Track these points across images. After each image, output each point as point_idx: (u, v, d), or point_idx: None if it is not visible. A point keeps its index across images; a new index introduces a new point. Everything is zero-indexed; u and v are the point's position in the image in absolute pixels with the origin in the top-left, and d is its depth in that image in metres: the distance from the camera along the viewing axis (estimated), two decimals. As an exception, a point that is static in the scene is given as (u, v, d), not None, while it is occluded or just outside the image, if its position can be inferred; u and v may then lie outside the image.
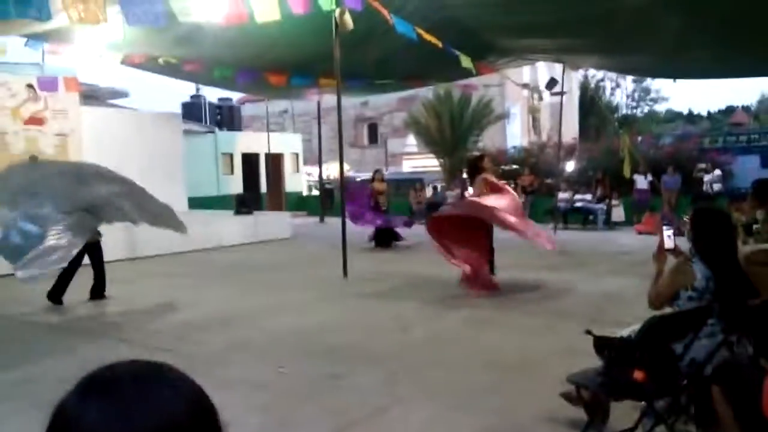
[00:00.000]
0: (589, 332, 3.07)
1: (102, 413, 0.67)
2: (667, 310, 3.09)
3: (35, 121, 12.20)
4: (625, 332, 3.23)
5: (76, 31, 9.36)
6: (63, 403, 0.69)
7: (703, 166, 14.84)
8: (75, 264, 6.89)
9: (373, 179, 12.13)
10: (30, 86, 12.00)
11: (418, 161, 26.34)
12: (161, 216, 7.20)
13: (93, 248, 7.08)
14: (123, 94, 19.23)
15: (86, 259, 7.10)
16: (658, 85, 42.08)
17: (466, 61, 10.21)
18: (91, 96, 16.04)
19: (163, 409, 0.68)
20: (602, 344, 3.05)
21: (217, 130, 20.56)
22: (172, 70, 11.78)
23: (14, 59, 14.58)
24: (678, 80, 14.50)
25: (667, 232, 3.24)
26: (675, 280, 3.04)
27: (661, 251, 3.22)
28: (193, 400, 0.72)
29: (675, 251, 3.24)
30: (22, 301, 7.23)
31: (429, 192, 19.21)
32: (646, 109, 43.93)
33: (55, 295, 6.95)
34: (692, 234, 3.11)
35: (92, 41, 10.05)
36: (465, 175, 7.73)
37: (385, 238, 11.51)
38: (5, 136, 11.75)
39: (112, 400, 0.68)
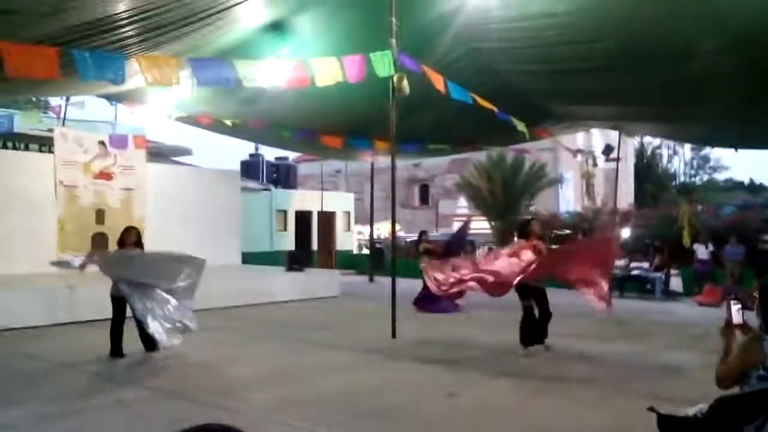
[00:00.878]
0: (652, 409, 2.93)
1: None
2: (736, 389, 2.92)
3: (104, 175, 12.84)
4: (691, 411, 3.06)
5: (148, 93, 9.97)
6: None
7: (768, 237, 14.27)
8: (119, 316, 7.11)
9: (419, 241, 12.02)
10: (102, 143, 12.71)
11: (469, 223, 26.24)
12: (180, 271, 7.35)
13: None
14: (186, 152, 20.10)
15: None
16: (718, 153, 41.21)
17: (520, 125, 10.29)
18: (157, 153, 16.83)
19: None
20: (667, 423, 2.90)
21: (272, 187, 21.12)
22: (234, 129, 12.30)
23: (90, 117, 15.59)
24: (739, 150, 14.18)
25: (735, 307, 3.10)
26: (745, 358, 2.89)
27: (729, 326, 3.07)
28: None
29: (743, 327, 3.09)
30: (72, 351, 7.42)
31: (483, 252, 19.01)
32: (705, 178, 42.88)
33: (115, 349, 7.10)
34: (762, 309, 2.97)
35: (161, 102, 10.66)
36: (516, 239, 7.65)
37: (427, 304, 11.29)
38: (76, 190, 12.39)
39: None
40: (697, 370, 6.14)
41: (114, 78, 6.75)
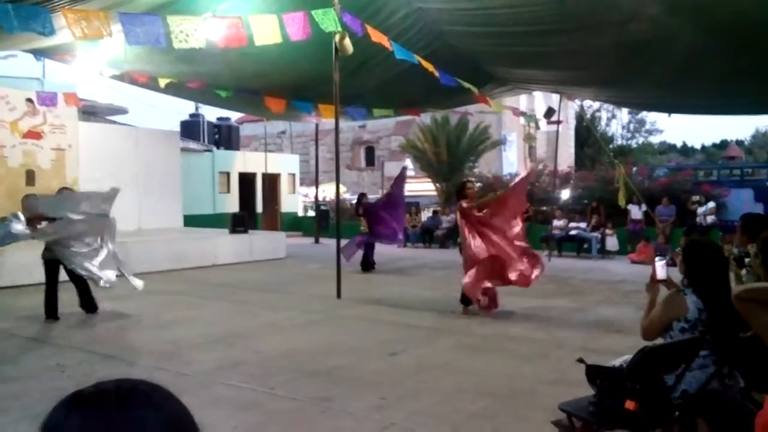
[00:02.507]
0: (581, 361, 3.07)
1: (83, 427, 0.70)
2: (659, 340, 3.09)
3: (33, 135, 12.22)
4: (617, 362, 3.23)
5: (79, 47, 9.45)
6: (50, 415, 0.72)
7: (697, 198, 14.92)
8: (52, 278, 6.93)
9: (359, 203, 12.06)
10: (29, 100, 12.04)
11: (415, 185, 26.43)
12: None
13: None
14: (122, 111, 19.29)
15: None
16: (653, 117, 42.56)
17: (467, 84, 10.31)
18: (90, 112, 16.10)
19: (142, 427, 0.71)
20: (594, 373, 3.05)
21: (214, 148, 20.60)
22: (172, 88, 11.85)
23: (15, 73, 14.70)
24: (673, 114, 14.68)
25: (660, 263, 3.26)
26: (667, 311, 3.05)
27: (653, 282, 3.24)
28: (175, 419, 0.75)
29: (668, 282, 3.26)
30: (5, 315, 7.18)
31: (425, 215, 19.23)
32: (641, 141, 44.34)
33: (50, 312, 6.92)
34: (685, 265, 3.13)
35: (94, 58, 10.13)
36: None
37: (366, 264, 11.48)
38: (3, 150, 11.76)
39: (94, 415, 0.71)
40: (627, 324, 6.46)
41: (42, 29, 6.36)
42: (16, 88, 12.44)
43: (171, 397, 0.77)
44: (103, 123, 16.51)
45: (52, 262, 6.99)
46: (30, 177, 12.04)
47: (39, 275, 7.22)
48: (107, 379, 0.77)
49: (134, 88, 12.27)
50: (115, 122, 18.08)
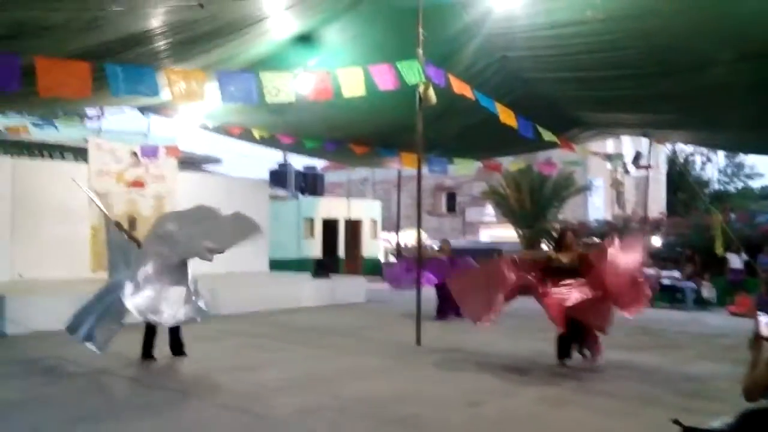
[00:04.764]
0: (676, 422, 2.91)
1: None
2: (764, 402, 2.88)
3: (136, 184, 13.16)
4: (716, 424, 3.03)
5: (180, 103, 10.18)
6: None
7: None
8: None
9: (440, 249, 12.01)
10: (134, 153, 13.02)
11: (497, 231, 26.12)
12: (235, 231, 7.30)
13: None
14: (216, 161, 20.43)
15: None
16: (753, 160, 40.31)
17: (546, 134, 10.24)
18: (188, 162, 17.15)
19: None
20: (690, 435, 2.87)
21: (300, 195, 21.33)
22: (263, 140, 12.48)
23: (122, 128, 15.99)
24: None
25: (764, 319, 3.07)
26: (772, 370, 2.85)
27: (757, 339, 3.03)
28: None
29: (771, 339, 3.05)
30: (110, 355, 7.60)
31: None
32: (739, 185, 41.94)
33: (146, 353, 7.27)
34: (790, 321, 2.93)
35: (192, 111, 10.88)
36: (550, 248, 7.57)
37: (444, 311, 11.26)
38: (108, 197, 12.71)
39: None
40: (725, 383, 6.03)
41: (147, 92, 6.91)
42: (123, 142, 13.52)
43: None
44: (199, 173, 17.51)
45: None
46: (132, 223, 12.90)
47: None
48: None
49: (228, 139, 13.02)
50: (210, 171, 19.14)
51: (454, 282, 7.83)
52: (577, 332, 7.05)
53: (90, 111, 14.83)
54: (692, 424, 3.00)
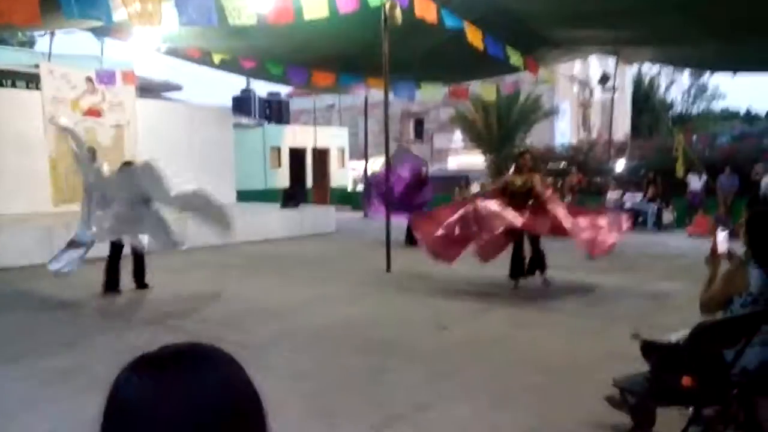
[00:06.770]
0: (636, 336, 3.02)
1: (141, 387, 0.73)
2: (719, 315, 3.00)
3: (93, 112, 12.64)
4: (674, 337, 3.16)
5: (135, 25, 9.67)
6: (117, 377, 0.76)
7: (761, 167, 14.25)
8: (115, 252, 7.20)
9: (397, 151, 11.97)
10: (89, 79, 12.43)
11: (465, 158, 26.18)
12: (209, 211, 7.35)
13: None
14: (176, 88, 19.73)
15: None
16: (716, 81, 40.64)
17: (514, 57, 10.08)
18: (146, 89, 16.52)
19: (201, 389, 0.73)
20: (650, 349, 2.99)
21: (265, 123, 20.90)
22: (225, 64, 12.02)
23: (75, 52, 15.19)
24: (738, 74, 13.97)
25: (722, 235, 3.15)
26: (728, 284, 2.95)
27: (714, 255, 3.13)
28: (233, 381, 0.77)
29: (729, 255, 3.15)
30: (71, 287, 7.53)
31: (476, 189, 19.05)
32: (702, 107, 42.46)
33: (110, 285, 7.22)
34: (748, 238, 3.01)
35: (150, 34, 10.36)
36: (511, 172, 7.60)
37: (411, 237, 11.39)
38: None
39: (153, 376, 0.74)
40: (684, 299, 6.28)
41: (100, 16, 6.54)
42: (77, 67, 12.87)
43: (233, 362, 0.79)
44: (159, 100, 16.93)
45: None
46: (92, 153, 12.48)
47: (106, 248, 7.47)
48: (171, 343, 0.80)
49: (187, 64, 12.51)
50: (170, 99, 18.52)
51: (419, 225, 7.80)
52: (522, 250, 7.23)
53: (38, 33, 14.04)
54: (652, 338, 3.12)
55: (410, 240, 11.30)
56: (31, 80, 13.73)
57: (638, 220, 14.25)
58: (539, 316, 6.06)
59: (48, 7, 6.19)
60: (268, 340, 5.21)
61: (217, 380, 0.75)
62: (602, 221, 7.29)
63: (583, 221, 7.19)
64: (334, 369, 4.47)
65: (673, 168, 13.23)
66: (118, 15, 7.14)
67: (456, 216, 7.14)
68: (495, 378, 4.25)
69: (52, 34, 12.85)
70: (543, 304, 6.53)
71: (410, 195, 11.35)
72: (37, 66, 12.96)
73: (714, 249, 3.13)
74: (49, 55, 13.27)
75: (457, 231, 7.06)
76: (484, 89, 15.25)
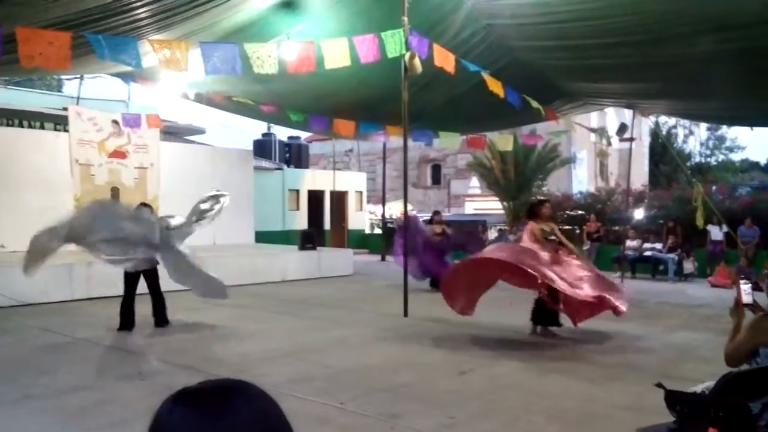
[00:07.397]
0: (660, 385, 2.97)
1: (184, 418, 0.78)
2: (744, 367, 2.95)
3: (118, 154, 12.96)
4: (699, 388, 3.10)
5: (161, 71, 10.00)
6: (158, 410, 0.81)
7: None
8: (130, 290, 7.27)
9: (431, 221, 12.00)
10: (115, 122, 12.79)
11: (481, 203, 26.21)
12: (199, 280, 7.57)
13: (149, 274, 7.41)
14: (199, 131, 20.14)
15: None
16: (734, 133, 40.62)
17: (534, 103, 10.23)
18: (171, 132, 16.90)
19: (237, 419, 0.78)
20: (674, 399, 2.94)
21: (285, 167, 21.17)
22: (247, 109, 12.32)
23: (102, 96, 15.67)
24: (755, 128, 13.99)
25: (745, 286, 3.12)
26: (754, 336, 2.92)
27: (738, 306, 3.10)
28: (268, 414, 0.83)
29: (754, 306, 3.11)
30: (89, 325, 7.59)
31: (493, 234, 19.03)
32: (721, 158, 42.32)
33: (124, 322, 7.26)
34: (772, 288, 2.99)
35: (176, 80, 10.69)
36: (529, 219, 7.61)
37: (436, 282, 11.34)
38: (90, 168, 12.51)
39: (194, 408, 0.79)
40: (708, 350, 6.16)
41: (130, 61, 6.80)
42: (104, 111, 13.26)
43: (266, 396, 0.85)
44: (182, 143, 17.29)
45: (131, 275, 7.33)
46: (114, 193, 12.74)
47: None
48: (208, 379, 0.84)
49: (211, 109, 12.84)
50: (193, 142, 18.90)
51: (445, 280, 7.70)
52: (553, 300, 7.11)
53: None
54: (676, 389, 3.06)
55: (435, 283, 11.25)
56: (59, 122, 14.15)
57: (659, 268, 14.10)
58: (558, 363, 5.96)
59: (78, 52, 6.46)
60: (283, 384, 5.17)
61: (254, 411, 0.81)
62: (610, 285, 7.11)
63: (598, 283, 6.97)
64: (350, 414, 4.42)
65: (693, 218, 13.12)
66: (147, 61, 7.43)
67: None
68: (511, 426, 4.17)
69: (81, 78, 13.32)
70: (562, 352, 6.43)
71: (432, 250, 11.35)
72: (65, 108, 13.37)
73: (738, 300, 3.10)
74: (78, 98, 13.72)
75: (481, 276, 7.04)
76: (500, 140, 15.40)
